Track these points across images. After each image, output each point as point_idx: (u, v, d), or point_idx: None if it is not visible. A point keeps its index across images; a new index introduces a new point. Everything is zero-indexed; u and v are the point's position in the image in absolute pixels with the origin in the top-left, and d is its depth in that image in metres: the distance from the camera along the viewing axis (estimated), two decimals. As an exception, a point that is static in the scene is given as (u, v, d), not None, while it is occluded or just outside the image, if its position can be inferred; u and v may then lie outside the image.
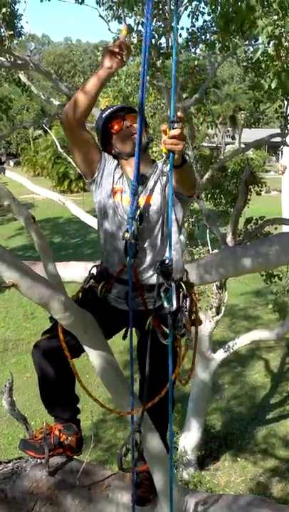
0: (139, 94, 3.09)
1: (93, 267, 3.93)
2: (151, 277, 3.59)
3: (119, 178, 3.73)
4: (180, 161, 3.15)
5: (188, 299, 3.59)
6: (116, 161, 3.80)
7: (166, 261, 3.25)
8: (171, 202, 3.36)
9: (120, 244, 3.53)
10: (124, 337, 3.71)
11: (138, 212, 3.30)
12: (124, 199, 3.64)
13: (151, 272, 3.59)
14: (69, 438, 3.89)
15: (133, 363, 3.39)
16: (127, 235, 3.26)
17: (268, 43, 7.00)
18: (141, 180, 3.50)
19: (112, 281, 3.69)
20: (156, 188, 3.61)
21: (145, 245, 3.55)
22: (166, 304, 3.30)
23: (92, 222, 9.85)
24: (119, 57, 3.28)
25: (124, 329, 3.72)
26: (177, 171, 3.23)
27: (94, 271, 3.87)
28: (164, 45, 11.63)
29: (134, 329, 3.72)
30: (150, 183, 3.64)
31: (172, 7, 11.02)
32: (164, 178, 3.63)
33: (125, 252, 3.36)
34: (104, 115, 3.74)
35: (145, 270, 3.60)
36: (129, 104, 3.75)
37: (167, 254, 3.26)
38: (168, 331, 3.42)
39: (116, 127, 3.70)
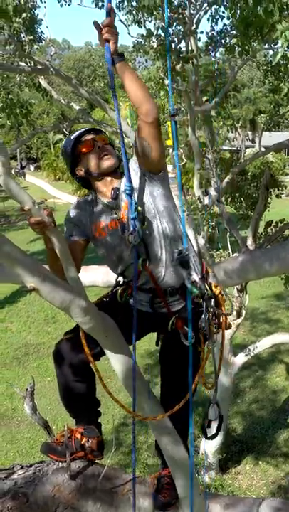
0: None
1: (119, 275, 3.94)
2: (171, 281, 3.59)
3: (92, 213, 3.78)
4: (116, 52, 3.29)
5: (212, 300, 3.58)
6: (84, 200, 3.87)
7: (183, 250, 3.27)
8: (180, 196, 3.37)
9: (133, 255, 3.51)
10: (157, 343, 3.72)
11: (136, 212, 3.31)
12: (105, 225, 3.69)
13: (169, 276, 3.59)
14: (90, 440, 3.90)
15: (150, 369, 3.39)
16: (131, 237, 3.26)
17: (288, 47, 6.98)
18: (115, 194, 3.56)
19: (132, 288, 3.69)
20: (140, 190, 3.60)
21: (155, 250, 3.54)
22: (194, 292, 3.31)
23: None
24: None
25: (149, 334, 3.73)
26: (124, 83, 3.28)
27: (120, 279, 3.89)
28: (183, 49, 11.64)
29: (156, 334, 3.73)
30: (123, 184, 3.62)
31: (192, 11, 11.04)
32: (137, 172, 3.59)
33: (137, 256, 3.37)
34: (72, 137, 3.73)
35: (163, 275, 3.59)
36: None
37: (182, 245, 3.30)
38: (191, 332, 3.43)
39: (86, 148, 3.69)
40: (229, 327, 3.74)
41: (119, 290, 3.78)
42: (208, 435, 3.86)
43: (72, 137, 3.72)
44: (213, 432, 3.87)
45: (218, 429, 3.87)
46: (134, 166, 3.56)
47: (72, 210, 3.86)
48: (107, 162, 3.64)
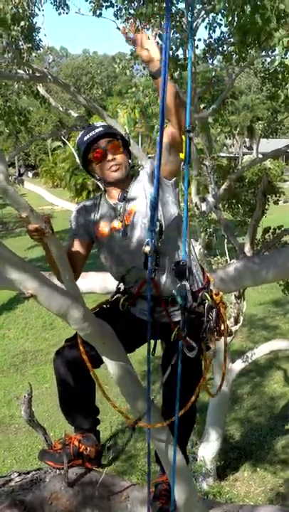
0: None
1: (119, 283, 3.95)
2: (171, 288, 3.60)
3: (97, 213, 3.81)
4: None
5: (214, 310, 3.58)
6: (91, 202, 3.89)
7: (181, 262, 3.27)
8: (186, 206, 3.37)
9: (136, 260, 3.52)
10: (154, 351, 3.72)
11: (158, 225, 3.31)
12: (108, 227, 3.72)
13: (172, 286, 3.60)
14: (88, 449, 3.89)
15: (150, 376, 3.39)
16: (148, 248, 3.26)
17: (285, 54, 7.01)
18: (123, 197, 3.60)
19: (134, 298, 3.71)
20: (143, 186, 3.64)
21: (162, 258, 3.55)
22: (179, 300, 3.30)
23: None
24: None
25: (153, 342, 3.73)
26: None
27: (121, 286, 3.89)
28: (181, 56, 11.68)
29: (158, 342, 3.73)
30: (133, 191, 3.69)
31: (189, 19, 11.06)
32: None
33: (144, 266, 3.37)
34: (85, 139, 3.71)
35: (166, 284, 3.60)
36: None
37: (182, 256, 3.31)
38: (194, 344, 3.44)
39: (96, 158, 3.69)
40: (230, 334, 3.76)
41: (121, 299, 3.78)
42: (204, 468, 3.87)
43: (84, 140, 3.71)
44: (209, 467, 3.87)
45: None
46: (148, 170, 3.65)
47: (78, 210, 3.90)
48: (115, 174, 3.67)
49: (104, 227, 3.73)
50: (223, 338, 3.74)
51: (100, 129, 3.71)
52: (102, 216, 3.77)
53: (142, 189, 3.62)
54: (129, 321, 3.70)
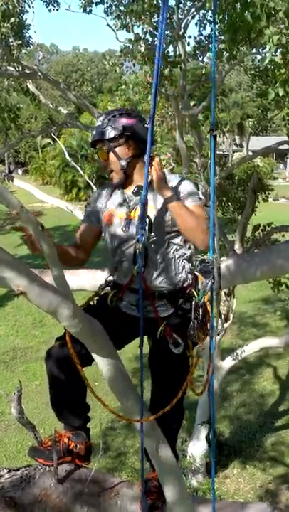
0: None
1: (110, 275, 3.97)
2: (161, 285, 3.62)
3: (109, 199, 3.85)
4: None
5: (201, 308, 3.59)
6: (107, 188, 3.93)
7: (207, 260, 3.30)
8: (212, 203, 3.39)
9: (128, 254, 3.57)
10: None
11: (147, 222, 3.33)
12: (118, 217, 3.74)
13: (160, 280, 3.62)
14: (78, 446, 3.88)
15: (143, 371, 3.39)
16: (139, 245, 3.28)
17: (275, 52, 7.02)
18: (137, 191, 3.58)
19: (122, 291, 3.72)
20: (160, 199, 3.63)
21: (153, 254, 3.57)
22: (196, 299, 3.43)
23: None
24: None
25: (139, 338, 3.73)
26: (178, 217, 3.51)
27: (110, 278, 3.91)
28: (171, 53, 11.67)
29: (146, 338, 3.73)
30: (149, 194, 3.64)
31: (180, 16, 11.06)
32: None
33: (134, 262, 3.39)
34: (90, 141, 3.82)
35: (154, 278, 3.62)
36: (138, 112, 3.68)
37: (208, 255, 3.38)
38: (180, 340, 3.46)
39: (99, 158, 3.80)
40: (218, 333, 3.76)
41: (109, 295, 3.79)
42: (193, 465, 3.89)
43: (90, 140, 3.81)
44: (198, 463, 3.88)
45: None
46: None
47: (95, 195, 4.02)
48: (113, 179, 3.75)
49: (111, 215, 3.80)
50: (209, 337, 3.74)
51: (94, 132, 3.77)
52: (113, 203, 3.82)
53: (153, 194, 3.64)
54: (117, 317, 3.71)
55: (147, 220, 3.31)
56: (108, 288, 3.86)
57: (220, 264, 3.31)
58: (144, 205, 3.18)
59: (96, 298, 3.90)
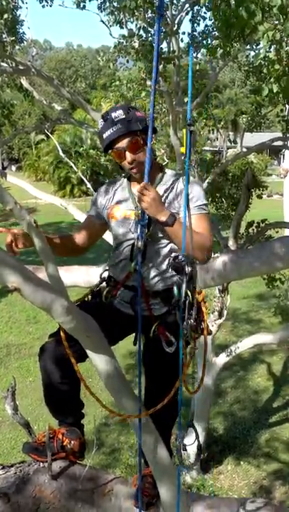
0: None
1: (105, 271, 3.98)
2: (157, 283, 3.62)
3: (114, 194, 3.87)
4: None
5: (194, 307, 3.58)
6: (112, 184, 3.97)
7: (180, 256, 3.28)
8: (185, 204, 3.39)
9: (127, 251, 3.58)
10: (135, 343, 3.71)
11: (147, 219, 3.33)
12: (122, 213, 3.73)
13: (156, 279, 3.62)
14: (72, 442, 3.89)
15: (141, 368, 3.39)
16: (139, 243, 3.28)
17: (269, 48, 7.01)
18: None
19: (118, 287, 3.72)
20: (165, 198, 3.61)
21: (153, 253, 3.57)
22: (175, 294, 3.32)
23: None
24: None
25: (134, 334, 3.72)
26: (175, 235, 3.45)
27: (105, 274, 3.92)
28: (165, 49, 11.66)
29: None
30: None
31: (174, 12, 11.05)
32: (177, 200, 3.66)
33: (131, 259, 3.40)
34: (105, 136, 3.66)
35: (151, 276, 3.62)
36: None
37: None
38: (173, 339, 3.46)
39: (117, 156, 3.70)
40: (210, 333, 3.74)
41: (104, 291, 3.79)
42: (187, 461, 3.88)
43: (104, 137, 3.67)
44: (192, 460, 3.89)
45: (198, 457, 3.94)
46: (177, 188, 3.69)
47: (99, 191, 4.02)
48: (135, 175, 3.71)
49: (116, 211, 3.82)
50: (203, 337, 3.73)
51: (119, 125, 3.62)
52: (119, 200, 3.84)
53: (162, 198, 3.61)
54: (112, 313, 3.71)
55: (147, 217, 3.32)
56: (104, 284, 3.87)
57: (194, 261, 3.24)
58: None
59: (90, 294, 3.91)
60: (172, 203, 3.63)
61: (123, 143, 3.62)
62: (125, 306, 3.75)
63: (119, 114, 3.65)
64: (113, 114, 3.65)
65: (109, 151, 3.72)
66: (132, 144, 3.62)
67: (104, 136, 3.65)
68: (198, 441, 3.86)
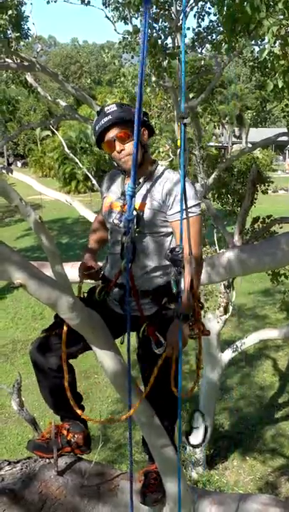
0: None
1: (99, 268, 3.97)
2: (148, 283, 3.59)
3: (110, 186, 3.86)
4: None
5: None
6: (114, 173, 3.95)
7: (177, 248, 3.27)
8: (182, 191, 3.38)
9: (118, 247, 3.56)
10: (122, 341, 3.70)
11: (134, 214, 3.32)
12: (114, 207, 3.72)
13: (147, 277, 3.59)
14: (76, 436, 3.89)
15: (131, 368, 3.39)
16: (125, 238, 3.27)
17: (274, 43, 6.99)
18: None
19: (111, 285, 3.70)
20: (152, 195, 3.60)
21: (142, 250, 3.54)
22: (174, 289, 3.33)
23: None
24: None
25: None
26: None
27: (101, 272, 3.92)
28: (170, 45, 11.65)
29: (133, 333, 3.73)
30: (143, 188, 3.62)
31: (178, 8, 11.03)
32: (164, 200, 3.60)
33: (121, 256, 3.40)
34: (97, 128, 3.64)
35: (141, 275, 3.59)
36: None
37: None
38: (162, 340, 3.44)
39: (107, 149, 3.67)
40: (207, 334, 3.69)
41: (97, 288, 3.77)
42: (194, 443, 3.87)
43: (96, 128, 3.65)
44: (199, 441, 3.88)
45: (204, 439, 3.92)
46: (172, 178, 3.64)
47: (104, 178, 4.02)
48: (124, 165, 3.66)
49: (107, 201, 3.80)
50: (198, 338, 3.69)
51: (110, 117, 3.60)
52: (112, 190, 3.82)
53: (149, 192, 3.60)
54: (104, 311, 3.67)
55: (134, 213, 3.30)
56: (99, 282, 3.86)
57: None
58: (131, 197, 3.11)
59: (85, 292, 3.90)
60: (158, 201, 3.56)
61: (113, 132, 3.60)
62: (115, 304, 3.73)
63: (112, 107, 3.65)
64: (106, 108, 3.66)
65: (101, 143, 3.71)
66: (121, 133, 3.59)
67: (97, 127, 3.64)
68: (206, 425, 3.87)
